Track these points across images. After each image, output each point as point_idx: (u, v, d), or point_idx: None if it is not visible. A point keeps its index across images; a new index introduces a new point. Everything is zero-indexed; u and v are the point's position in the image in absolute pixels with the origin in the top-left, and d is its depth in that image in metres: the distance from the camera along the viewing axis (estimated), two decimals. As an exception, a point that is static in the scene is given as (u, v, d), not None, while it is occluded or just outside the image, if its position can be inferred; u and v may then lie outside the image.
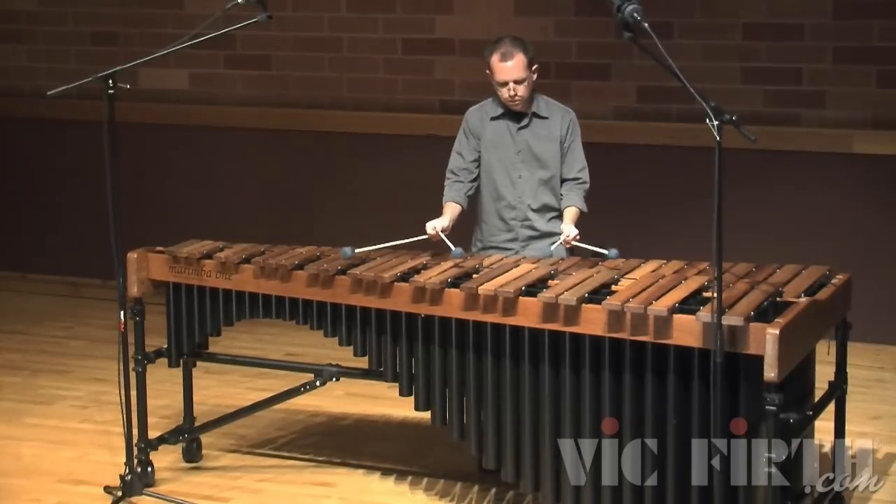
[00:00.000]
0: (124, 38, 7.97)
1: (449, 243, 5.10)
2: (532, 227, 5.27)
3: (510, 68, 5.12)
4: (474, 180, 5.33)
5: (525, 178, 5.26)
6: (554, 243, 5.06)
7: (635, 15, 4.05)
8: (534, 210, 5.27)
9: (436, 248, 5.18)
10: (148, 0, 7.92)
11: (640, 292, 4.40)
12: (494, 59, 5.14)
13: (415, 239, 5.16)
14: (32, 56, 8.24)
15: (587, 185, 5.28)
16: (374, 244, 5.11)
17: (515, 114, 5.25)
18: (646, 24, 4.02)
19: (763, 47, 6.91)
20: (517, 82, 5.13)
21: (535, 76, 5.20)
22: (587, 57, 7.16)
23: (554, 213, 5.27)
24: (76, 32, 8.11)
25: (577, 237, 5.08)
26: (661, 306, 4.24)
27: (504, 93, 5.17)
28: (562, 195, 5.27)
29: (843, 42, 6.78)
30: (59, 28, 8.13)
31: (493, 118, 5.29)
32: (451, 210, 5.29)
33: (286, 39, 7.70)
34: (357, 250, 5.06)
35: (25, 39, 8.23)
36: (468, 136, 5.33)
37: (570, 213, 5.19)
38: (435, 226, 5.19)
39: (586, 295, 4.44)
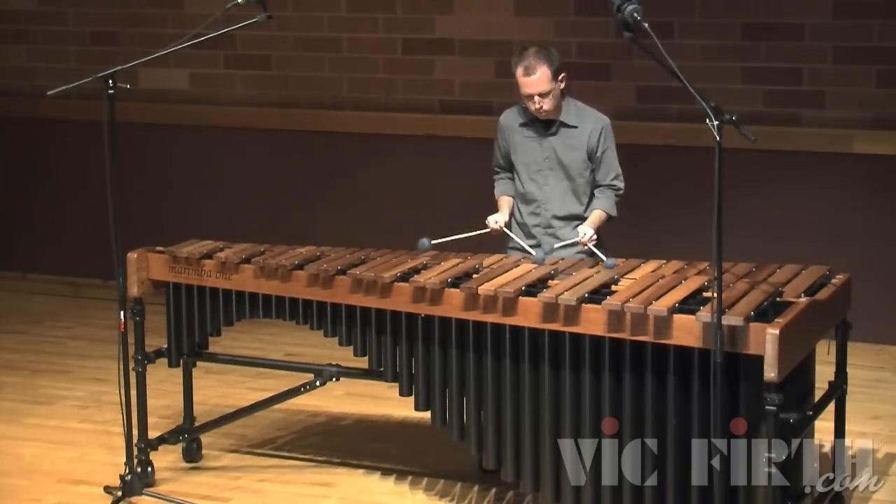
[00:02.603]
0: (124, 38, 7.97)
1: (518, 239, 5.22)
2: (555, 236, 5.24)
3: (534, 82, 5.09)
4: None
5: (551, 186, 5.25)
6: (557, 245, 5.05)
7: (635, 15, 4.05)
8: (559, 218, 5.25)
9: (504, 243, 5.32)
10: (148, 0, 7.92)
11: (640, 292, 4.39)
12: (519, 72, 5.11)
13: (482, 231, 5.25)
14: (32, 56, 8.23)
15: (621, 192, 5.28)
16: (443, 237, 5.16)
17: (544, 120, 5.23)
18: (646, 24, 4.02)
19: (763, 47, 6.91)
20: (542, 95, 5.10)
21: (562, 85, 5.17)
22: (587, 57, 7.15)
23: (580, 222, 5.23)
24: (76, 32, 8.11)
25: (594, 239, 5.09)
26: (661, 306, 4.24)
27: (531, 105, 5.15)
28: (594, 197, 5.26)
29: (843, 42, 6.77)
30: (59, 28, 8.13)
31: (522, 124, 5.28)
32: (506, 204, 5.35)
33: (286, 39, 7.70)
34: (433, 242, 5.11)
35: (25, 39, 8.23)
36: (500, 137, 5.36)
37: (594, 216, 5.20)
38: (497, 220, 5.27)
39: (586, 295, 4.43)
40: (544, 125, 5.24)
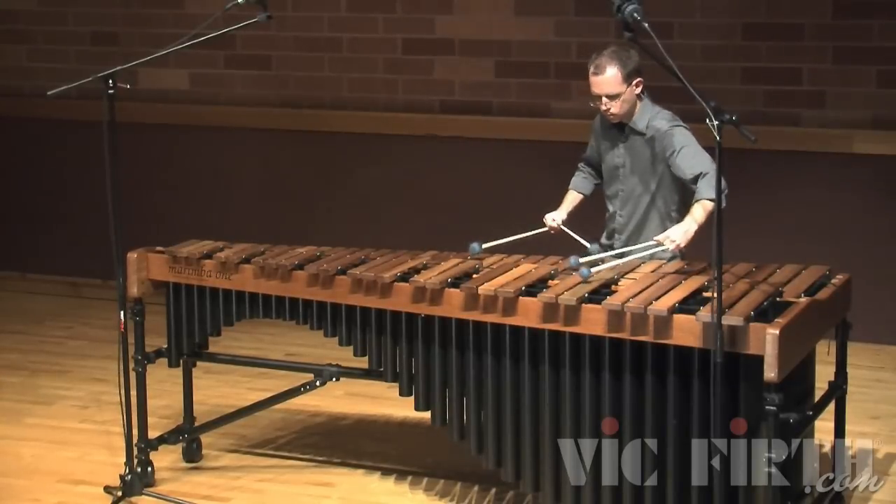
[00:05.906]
0: (124, 38, 7.97)
1: (578, 238, 5.06)
2: (627, 243, 5.07)
3: (601, 82, 4.90)
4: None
5: (626, 192, 5.10)
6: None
7: (635, 15, 4.05)
8: (631, 224, 5.12)
9: (561, 243, 5.13)
10: (148, 0, 7.92)
11: (640, 292, 4.39)
12: (591, 69, 4.93)
13: (538, 231, 5.15)
14: (32, 56, 8.24)
15: (710, 175, 4.79)
16: (498, 240, 5.02)
17: (620, 126, 5.04)
18: (646, 24, 4.03)
19: (763, 47, 6.91)
20: (609, 97, 4.91)
21: (638, 90, 4.95)
22: (587, 57, 7.12)
23: (651, 227, 5.08)
24: (76, 32, 8.11)
25: (679, 246, 4.74)
26: (661, 306, 4.24)
27: (600, 106, 4.96)
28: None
29: (843, 42, 6.77)
30: (59, 28, 8.13)
31: (605, 128, 5.12)
32: (570, 198, 5.24)
33: (286, 39, 7.70)
34: (484, 245, 5.02)
35: (25, 39, 8.23)
36: (593, 138, 5.24)
37: (696, 209, 4.81)
38: (554, 217, 5.16)
39: (586, 295, 4.43)
40: (619, 130, 5.05)
